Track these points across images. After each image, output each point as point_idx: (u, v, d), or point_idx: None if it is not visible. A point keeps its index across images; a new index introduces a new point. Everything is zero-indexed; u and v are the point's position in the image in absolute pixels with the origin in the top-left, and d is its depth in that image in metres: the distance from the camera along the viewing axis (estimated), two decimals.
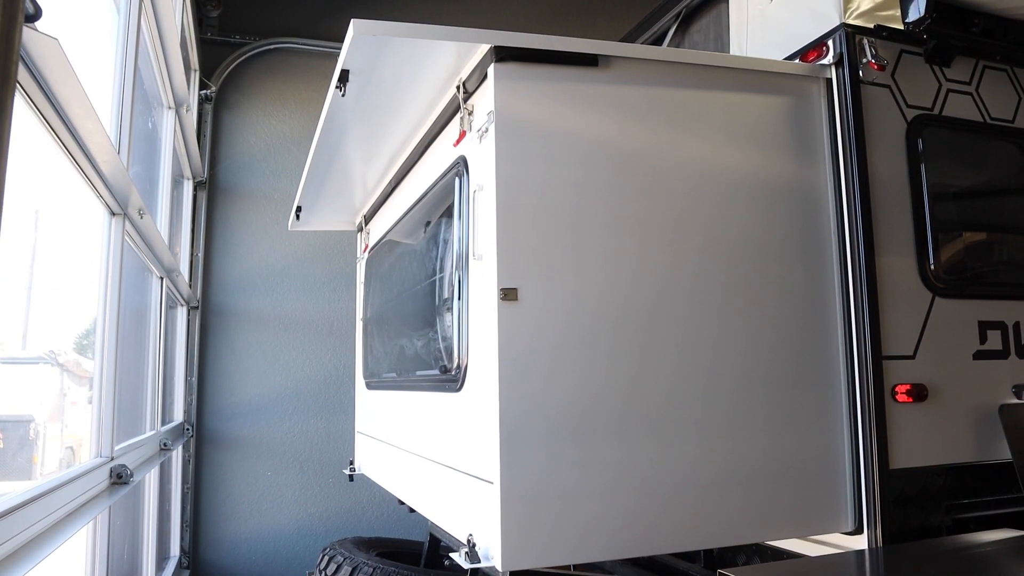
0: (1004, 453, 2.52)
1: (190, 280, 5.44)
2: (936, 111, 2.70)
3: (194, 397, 5.42)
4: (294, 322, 5.69)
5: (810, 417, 2.42)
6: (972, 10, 2.68)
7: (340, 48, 2.28)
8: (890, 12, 2.66)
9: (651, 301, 2.29)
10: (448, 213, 2.70)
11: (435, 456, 2.76)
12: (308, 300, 5.73)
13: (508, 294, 2.14)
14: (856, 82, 2.54)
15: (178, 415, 5.22)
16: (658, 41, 3.72)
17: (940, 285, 2.58)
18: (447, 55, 2.38)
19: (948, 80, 2.74)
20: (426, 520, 3.70)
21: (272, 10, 5.94)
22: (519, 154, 2.23)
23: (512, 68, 2.25)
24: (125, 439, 3.27)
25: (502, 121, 2.22)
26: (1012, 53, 2.84)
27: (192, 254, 5.53)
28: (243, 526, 5.43)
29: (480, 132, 2.31)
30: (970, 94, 2.79)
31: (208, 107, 5.70)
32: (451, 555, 2.28)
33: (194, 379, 5.43)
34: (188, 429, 5.32)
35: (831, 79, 2.59)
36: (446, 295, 2.72)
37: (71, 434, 3.15)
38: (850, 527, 2.40)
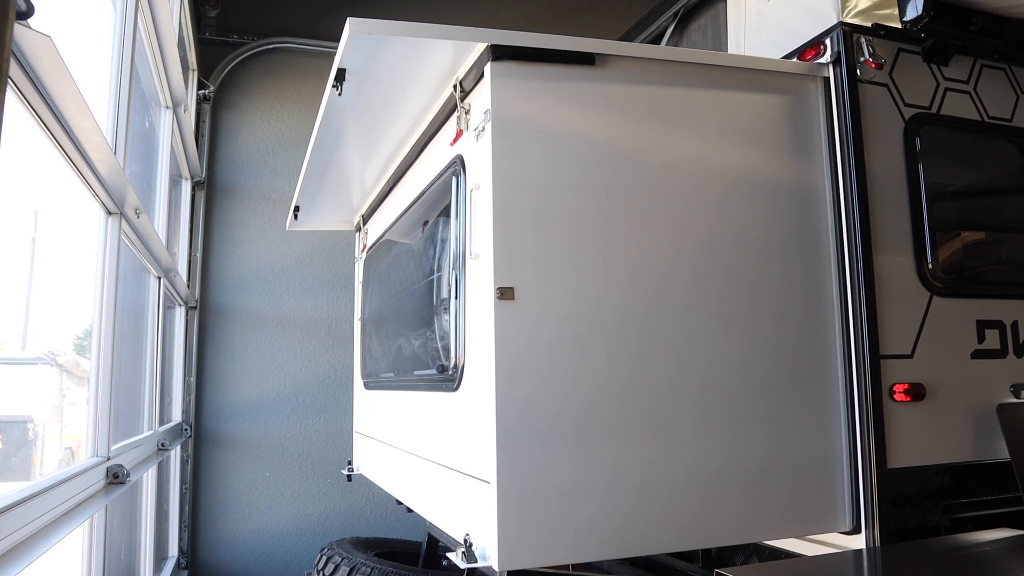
0: (1002, 452, 2.51)
1: (188, 280, 5.44)
2: (934, 110, 2.70)
3: (192, 397, 5.41)
4: (292, 322, 5.68)
5: (808, 416, 2.41)
6: (970, 9, 2.68)
7: (337, 47, 2.28)
8: (888, 11, 2.65)
9: (648, 300, 2.29)
10: (445, 212, 2.70)
11: (432, 456, 2.75)
12: (306, 300, 5.72)
13: (505, 293, 2.14)
14: (854, 81, 2.54)
15: (176, 415, 5.21)
16: (656, 40, 3.72)
17: (938, 284, 2.57)
18: (444, 54, 2.38)
19: (946, 79, 2.74)
20: (424, 520, 3.70)
21: (270, 10, 5.94)
22: (516, 153, 2.22)
23: (509, 67, 2.24)
24: (123, 439, 3.26)
25: (499, 120, 2.21)
26: (1010, 52, 2.84)
27: (190, 254, 5.53)
28: (241, 526, 5.42)
29: (477, 131, 2.31)
30: (968, 93, 2.78)
31: (206, 107, 5.69)
32: (448, 555, 2.28)
33: (192, 379, 5.42)
34: (186, 429, 5.32)
35: (829, 78, 2.59)
36: (443, 294, 2.71)
37: (70, 435, 3.14)
38: (848, 527, 2.40)
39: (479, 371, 2.23)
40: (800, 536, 2.50)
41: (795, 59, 2.70)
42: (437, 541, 4.03)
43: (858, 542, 2.39)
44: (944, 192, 2.72)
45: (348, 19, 2.13)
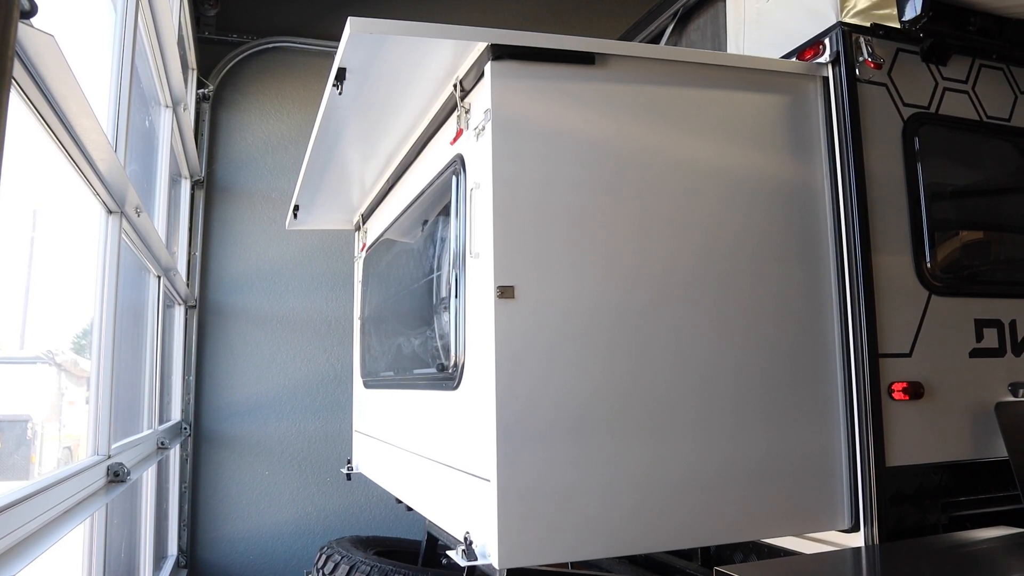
0: (1000, 451, 2.52)
1: (188, 279, 5.44)
2: (932, 110, 2.71)
3: (192, 396, 5.41)
4: (292, 321, 5.69)
5: (807, 415, 2.42)
6: (968, 9, 2.68)
7: (338, 47, 2.28)
8: (886, 11, 2.66)
9: (648, 299, 2.30)
10: (445, 211, 2.70)
11: (432, 454, 2.76)
12: (306, 299, 5.73)
13: (505, 292, 2.14)
14: (853, 80, 2.55)
15: (176, 414, 5.21)
16: (656, 40, 3.73)
17: (936, 283, 2.58)
18: (444, 53, 2.39)
19: (944, 79, 2.75)
20: (424, 519, 3.70)
21: (270, 9, 5.94)
22: (516, 152, 2.23)
23: (509, 66, 2.25)
24: (122, 438, 3.27)
25: (499, 119, 2.22)
26: (1008, 52, 2.85)
27: (190, 253, 5.53)
28: (241, 525, 5.43)
29: (477, 130, 2.32)
30: (966, 92, 2.79)
31: (206, 106, 5.69)
32: (448, 553, 2.28)
33: (192, 378, 5.42)
34: (186, 428, 5.32)
35: (828, 77, 2.60)
36: (443, 293, 2.72)
37: (69, 434, 3.15)
38: (847, 525, 2.40)
39: (479, 370, 2.24)
40: (799, 534, 2.50)
41: (794, 59, 2.71)
42: (437, 540, 4.04)
43: (857, 540, 2.39)
44: (943, 191, 2.73)
45: (349, 18, 2.13)
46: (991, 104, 2.83)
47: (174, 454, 5.19)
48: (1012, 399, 2.61)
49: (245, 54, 5.82)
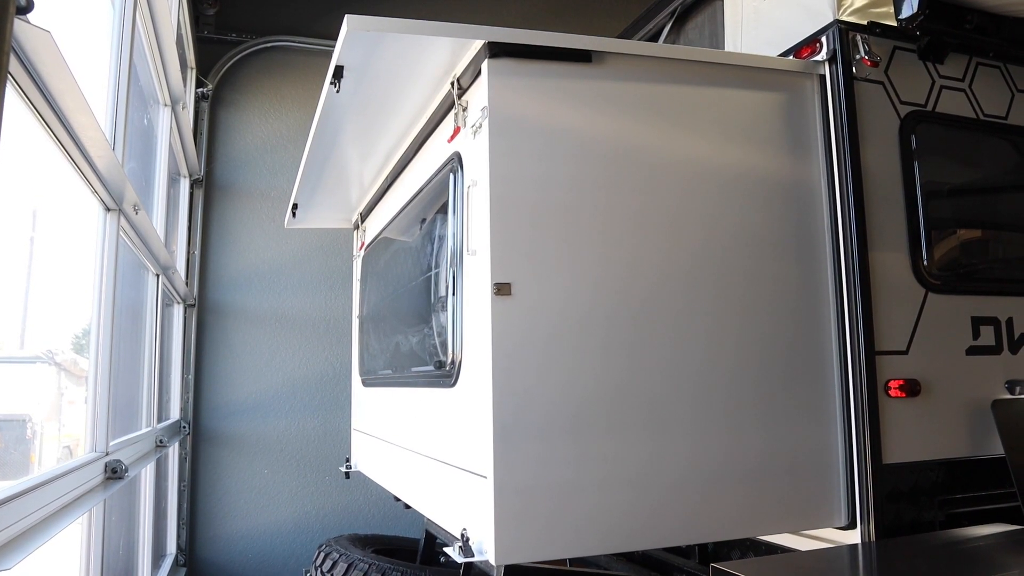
0: (997, 448, 2.53)
1: (186, 278, 5.44)
2: (929, 108, 2.71)
3: (191, 395, 5.42)
4: (291, 320, 5.69)
5: (803, 412, 2.42)
6: (965, 7, 2.69)
7: (335, 46, 2.29)
8: (883, 9, 2.67)
9: (645, 296, 2.30)
10: (443, 209, 2.71)
11: (430, 452, 2.76)
12: (305, 298, 5.73)
13: (501, 289, 2.15)
14: (849, 78, 2.55)
15: (175, 413, 5.22)
16: (654, 38, 3.73)
17: (933, 281, 2.59)
18: (441, 51, 2.39)
19: (941, 77, 2.75)
20: (422, 517, 3.71)
21: (268, 8, 5.94)
22: (513, 150, 2.23)
23: (506, 64, 2.25)
24: (121, 436, 3.27)
25: (496, 117, 2.22)
26: (1005, 50, 2.85)
27: (188, 252, 5.53)
28: (240, 523, 5.43)
29: (474, 128, 2.32)
30: (963, 91, 2.79)
31: (204, 105, 5.70)
32: (446, 549, 2.29)
33: (191, 377, 5.43)
34: (184, 427, 5.32)
35: (825, 75, 2.60)
36: (441, 291, 2.72)
37: (68, 433, 3.15)
38: (843, 522, 2.41)
39: (476, 367, 2.24)
40: (796, 531, 2.51)
41: (791, 57, 2.71)
42: (435, 537, 4.04)
43: (853, 537, 2.40)
44: (939, 189, 2.73)
45: (346, 16, 2.14)
46: (988, 102, 2.83)
47: (173, 452, 5.19)
48: (1009, 396, 2.62)
49: (244, 53, 5.82)
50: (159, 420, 4.44)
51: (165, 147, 4.50)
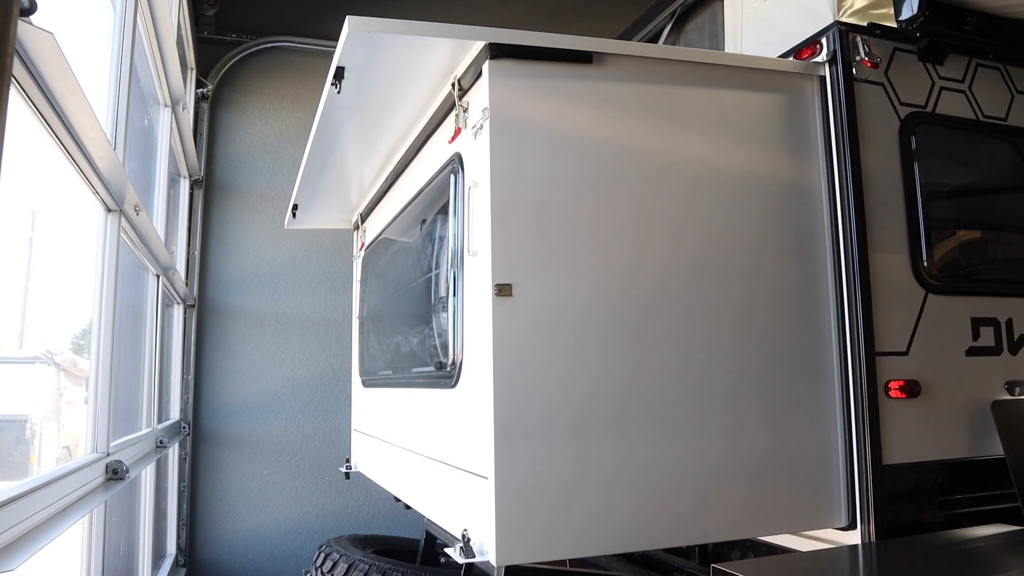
0: (997, 449, 2.53)
1: (187, 278, 5.44)
2: (929, 109, 2.71)
3: (191, 395, 5.42)
4: (291, 320, 5.69)
5: (804, 413, 2.43)
6: (965, 8, 2.70)
7: (336, 46, 2.29)
8: (883, 10, 2.67)
9: (645, 297, 2.30)
10: (444, 210, 2.71)
11: (431, 452, 2.76)
12: (305, 298, 5.73)
13: (502, 290, 2.15)
14: (849, 80, 2.56)
15: (175, 413, 5.22)
16: (654, 39, 3.74)
17: (933, 282, 2.59)
18: (442, 52, 2.39)
19: (941, 78, 2.76)
20: (422, 517, 3.71)
21: (268, 9, 5.94)
22: (514, 151, 2.23)
23: (507, 65, 2.25)
24: (121, 436, 3.27)
25: (497, 118, 2.23)
26: (1005, 51, 2.86)
27: (188, 252, 5.53)
28: (239, 524, 5.43)
29: (475, 129, 2.32)
30: (963, 92, 2.80)
31: (204, 105, 5.70)
32: (447, 550, 2.29)
33: (191, 377, 5.43)
34: (184, 427, 5.32)
35: (825, 77, 2.60)
36: (441, 292, 2.72)
37: (67, 434, 3.15)
38: (843, 523, 2.41)
39: (477, 368, 2.25)
40: (796, 532, 2.51)
41: (791, 58, 2.72)
42: (435, 538, 4.04)
43: (853, 538, 2.40)
44: (939, 190, 2.74)
45: (347, 17, 2.14)
46: (987, 103, 2.84)
47: (173, 453, 5.19)
48: (1009, 397, 2.62)
49: (244, 54, 5.82)
50: (159, 421, 4.44)
51: (165, 148, 4.50)
